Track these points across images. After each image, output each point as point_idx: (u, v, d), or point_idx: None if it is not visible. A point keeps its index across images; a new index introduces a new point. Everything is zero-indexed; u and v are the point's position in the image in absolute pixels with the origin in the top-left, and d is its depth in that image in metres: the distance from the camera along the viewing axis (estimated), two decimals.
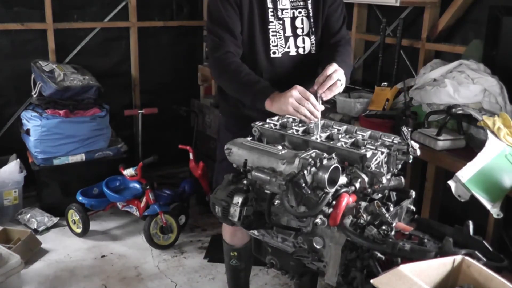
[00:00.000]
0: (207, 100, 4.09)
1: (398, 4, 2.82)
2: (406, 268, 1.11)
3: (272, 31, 2.00)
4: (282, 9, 2.01)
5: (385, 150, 1.55)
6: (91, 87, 3.57)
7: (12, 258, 2.52)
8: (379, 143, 1.60)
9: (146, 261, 3.12)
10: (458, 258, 1.19)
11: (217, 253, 3.17)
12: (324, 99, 1.78)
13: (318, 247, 1.46)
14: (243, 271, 2.36)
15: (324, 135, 1.66)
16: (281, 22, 2.00)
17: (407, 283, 1.07)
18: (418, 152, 1.61)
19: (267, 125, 1.73)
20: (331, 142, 1.58)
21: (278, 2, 2.00)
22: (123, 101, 4.14)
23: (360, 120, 2.64)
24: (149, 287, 2.86)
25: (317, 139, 1.61)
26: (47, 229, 3.41)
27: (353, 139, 1.62)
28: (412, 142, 1.61)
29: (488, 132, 2.09)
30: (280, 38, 2.01)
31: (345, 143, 1.58)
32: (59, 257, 3.12)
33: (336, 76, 1.77)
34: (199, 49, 4.40)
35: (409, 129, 1.63)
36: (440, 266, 1.18)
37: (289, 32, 2.02)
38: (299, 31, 2.04)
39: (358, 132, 1.71)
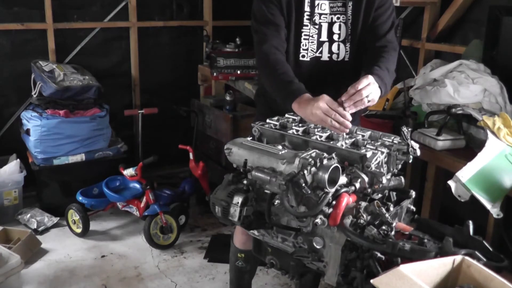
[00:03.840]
0: (207, 100, 4.09)
1: (398, 4, 2.82)
2: (406, 268, 1.11)
3: (305, 35, 1.98)
4: (321, 14, 1.97)
5: (385, 150, 1.55)
6: (91, 87, 3.56)
7: (12, 258, 2.52)
8: (379, 143, 1.60)
9: (146, 261, 3.12)
10: (458, 258, 1.19)
11: (217, 253, 3.17)
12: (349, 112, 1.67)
13: (318, 247, 1.46)
14: (248, 273, 2.35)
15: (324, 135, 1.66)
16: (317, 26, 1.97)
17: (407, 283, 1.07)
18: (418, 152, 1.61)
19: (267, 125, 1.73)
20: (331, 142, 1.58)
21: (316, 7, 1.97)
22: (123, 101, 4.14)
23: (360, 120, 2.64)
24: (149, 287, 2.86)
25: (342, 145, 1.58)
26: (47, 229, 3.41)
27: (353, 139, 1.62)
28: (412, 142, 1.61)
29: (488, 132, 2.09)
30: (312, 42, 1.99)
31: (345, 143, 1.58)
32: (59, 257, 3.12)
33: (365, 93, 1.65)
34: (199, 49, 4.40)
35: (409, 129, 1.63)
36: (440, 266, 1.18)
37: (324, 37, 1.99)
38: (335, 37, 1.99)
39: (358, 132, 1.71)
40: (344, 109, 1.64)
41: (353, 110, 1.66)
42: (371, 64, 1.84)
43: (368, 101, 1.67)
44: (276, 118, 1.79)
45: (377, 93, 1.72)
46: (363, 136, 1.68)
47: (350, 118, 1.64)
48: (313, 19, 1.97)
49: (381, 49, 1.95)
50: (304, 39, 1.99)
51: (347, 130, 1.64)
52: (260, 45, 1.97)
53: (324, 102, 1.64)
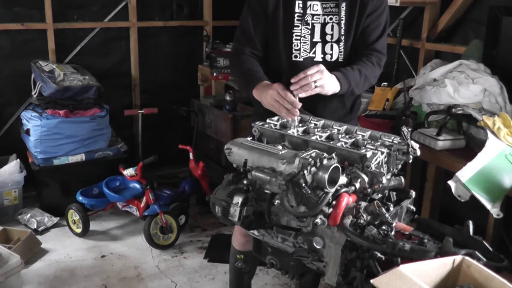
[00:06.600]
0: (207, 100, 4.09)
1: (398, 4, 2.82)
2: (406, 268, 1.11)
3: (296, 35, 1.99)
4: (313, 15, 1.99)
5: (385, 150, 1.55)
6: (91, 87, 3.57)
7: (12, 258, 2.52)
8: (379, 143, 1.60)
9: (146, 261, 3.12)
10: (458, 258, 1.19)
11: (217, 253, 3.17)
12: (299, 96, 1.76)
13: (318, 247, 1.46)
14: (247, 273, 2.35)
15: (324, 135, 1.66)
16: (309, 27, 1.99)
17: (407, 283, 1.07)
18: (418, 152, 1.61)
19: (267, 125, 1.73)
20: (331, 142, 1.58)
21: (308, 8, 1.98)
22: (123, 101, 4.14)
23: (360, 120, 2.64)
24: (149, 287, 2.86)
25: (293, 132, 1.67)
26: (47, 229, 3.41)
27: (353, 139, 1.62)
28: (412, 142, 1.61)
29: (488, 132, 2.09)
30: (305, 43, 2.00)
31: (345, 143, 1.58)
32: (59, 257, 3.12)
33: (312, 78, 1.73)
34: (199, 49, 4.40)
35: (409, 129, 1.63)
36: (440, 266, 1.18)
37: (317, 38, 2.00)
38: (328, 38, 2.00)
39: (358, 132, 1.71)
40: (293, 94, 1.73)
41: (303, 95, 1.75)
42: (346, 66, 1.95)
43: (316, 87, 1.74)
44: (276, 118, 1.80)
45: (330, 82, 1.80)
46: (363, 136, 1.68)
47: (299, 105, 1.73)
48: (305, 20, 1.98)
49: (365, 56, 2.00)
50: (296, 39, 2.00)
51: (296, 115, 1.74)
52: (233, 50, 2.14)
53: (275, 90, 1.77)
